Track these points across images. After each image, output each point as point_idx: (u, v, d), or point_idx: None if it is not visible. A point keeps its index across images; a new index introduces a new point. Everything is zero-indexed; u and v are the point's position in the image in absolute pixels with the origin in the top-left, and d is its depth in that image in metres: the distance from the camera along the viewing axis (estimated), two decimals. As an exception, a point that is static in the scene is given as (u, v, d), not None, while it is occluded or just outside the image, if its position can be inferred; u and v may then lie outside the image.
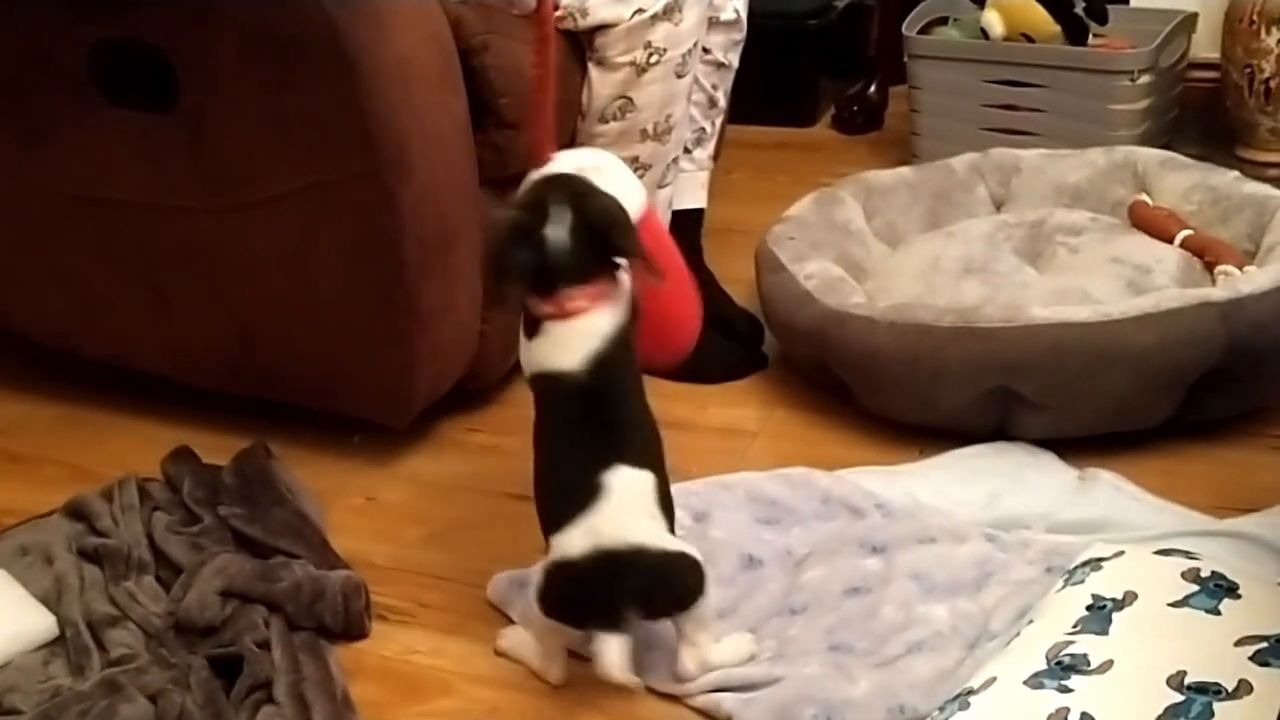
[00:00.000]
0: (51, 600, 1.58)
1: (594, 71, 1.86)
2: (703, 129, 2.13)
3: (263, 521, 1.66)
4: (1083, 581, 1.36)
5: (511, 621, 1.52)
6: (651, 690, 1.42)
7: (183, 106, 1.72)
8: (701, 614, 1.39)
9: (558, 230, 1.36)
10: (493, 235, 1.39)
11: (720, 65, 2.10)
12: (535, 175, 1.44)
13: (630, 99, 1.86)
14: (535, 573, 1.37)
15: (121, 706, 1.39)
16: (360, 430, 1.88)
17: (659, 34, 1.82)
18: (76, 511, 1.73)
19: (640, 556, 1.33)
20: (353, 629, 1.53)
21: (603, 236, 1.37)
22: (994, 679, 1.26)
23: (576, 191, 1.39)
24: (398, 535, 1.72)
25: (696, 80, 2.01)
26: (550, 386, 1.40)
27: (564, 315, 1.38)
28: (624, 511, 1.34)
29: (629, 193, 1.44)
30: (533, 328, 1.41)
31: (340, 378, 1.83)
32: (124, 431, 1.97)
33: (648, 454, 1.39)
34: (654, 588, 1.34)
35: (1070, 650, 1.26)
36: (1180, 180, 2.06)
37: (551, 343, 1.39)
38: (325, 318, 1.78)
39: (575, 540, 1.33)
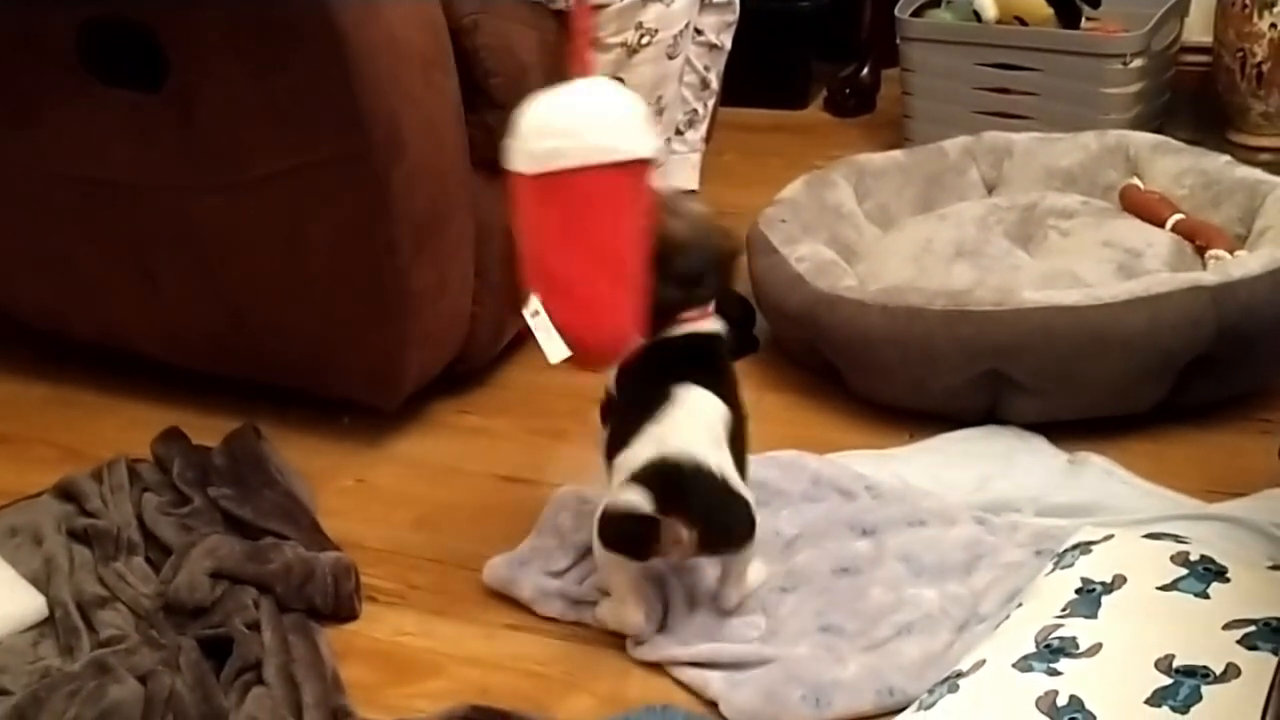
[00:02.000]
0: (41, 581, 1.58)
1: (586, 52, 1.85)
2: (695, 110, 2.12)
3: (253, 503, 1.66)
4: (1072, 565, 1.37)
5: (513, 606, 1.53)
6: (639, 668, 1.42)
7: (172, 86, 1.71)
8: (749, 553, 1.42)
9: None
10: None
11: (713, 47, 2.09)
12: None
13: (621, 80, 1.85)
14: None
15: (111, 687, 1.39)
16: (350, 412, 1.87)
17: (650, 15, 1.82)
18: (66, 492, 1.73)
19: (701, 476, 1.32)
20: (343, 610, 1.53)
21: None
22: (983, 661, 1.26)
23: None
24: (388, 517, 1.71)
25: (688, 62, 2.01)
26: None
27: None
28: (691, 424, 1.34)
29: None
30: None
31: (331, 359, 1.83)
32: (113, 412, 1.96)
33: (732, 398, 1.41)
34: (710, 517, 1.33)
35: (1059, 633, 1.26)
36: (1172, 164, 2.06)
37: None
38: (316, 299, 1.77)
39: (639, 452, 1.33)
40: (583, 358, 1.35)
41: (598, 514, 1.37)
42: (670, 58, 1.87)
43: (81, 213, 1.88)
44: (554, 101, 1.35)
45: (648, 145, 1.35)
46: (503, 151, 1.36)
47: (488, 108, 1.76)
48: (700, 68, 2.09)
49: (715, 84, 2.15)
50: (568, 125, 1.33)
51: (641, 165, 1.35)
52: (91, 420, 1.96)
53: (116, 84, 1.76)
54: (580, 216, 1.33)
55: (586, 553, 1.57)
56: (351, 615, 1.54)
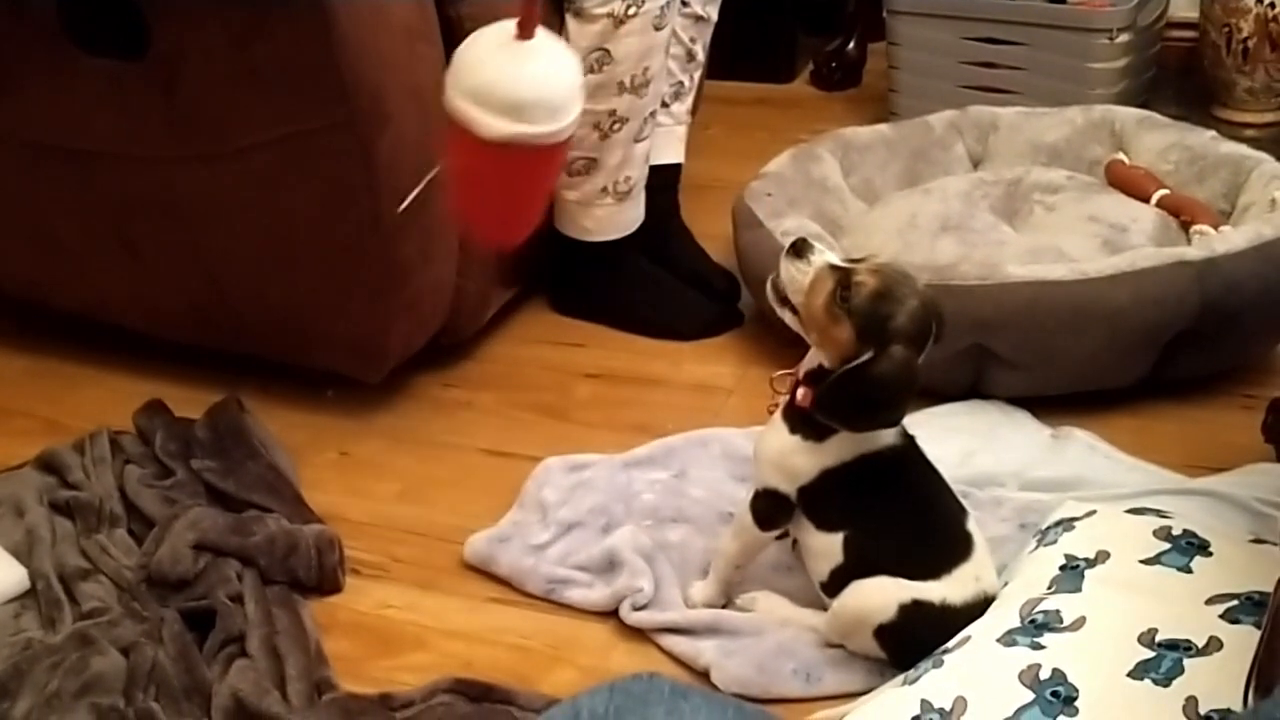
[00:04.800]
0: (23, 553, 1.57)
1: (571, 23, 1.84)
2: (681, 83, 2.11)
3: (236, 475, 1.66)
4: (1055, 542, 1.37)
5: (496, 579, 1.53)
6: (623, 641, 1.43)
7: (155, 55, 1.69)
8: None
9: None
10: (894, 370, 1.30)
11: (699, 18, 2.08)
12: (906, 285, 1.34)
13: (608, 51, 1.84)
14: (878, 608, 1.32)
15: (94, 659, 1.38)
16: (334, 384, 1.87)
17: (637, -14, 1.81)
18: (48, 464, 1.72)
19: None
20: (326, 583, 1.53)
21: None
22: (968, 638, 1.26)
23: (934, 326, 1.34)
24: (371, 490, 1.71)
25: (675, 33, 2.00)
26: (868, 465, 1.35)
27: None
28: (988, 556, 1.35)
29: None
30: (824, 431, 1.35)
31: (314, 331, 1.82)
32: (95, 384, 1.95)
33: None
34: None
35: (1043, 607, 1.26)
36: (1157, 139, 2.06)
37: (856, 439, 1.35)
38: (299, 270, 1.76)
39: (959, 588, 1.31)
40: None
41: (887, 619, 1.31)
42: (657, 29, 1.86)
43: (62, 183, 1.87)
44: (516, 73, 1.33)
45: (576, 116, 1.39)
46: (450, 98, 1.34)
47: (472, 79, 1.75)
48: (686, 40, 2.08)
49: (701, 56, 2.14)
50: (523, 106, 1.33)
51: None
52: (73, 392, 1.95)
53: (98, 53, 1.74)
54: (512, 171, 1.40)
55: (568, 528, 1.57)
56: (335, 588, 1.54)
